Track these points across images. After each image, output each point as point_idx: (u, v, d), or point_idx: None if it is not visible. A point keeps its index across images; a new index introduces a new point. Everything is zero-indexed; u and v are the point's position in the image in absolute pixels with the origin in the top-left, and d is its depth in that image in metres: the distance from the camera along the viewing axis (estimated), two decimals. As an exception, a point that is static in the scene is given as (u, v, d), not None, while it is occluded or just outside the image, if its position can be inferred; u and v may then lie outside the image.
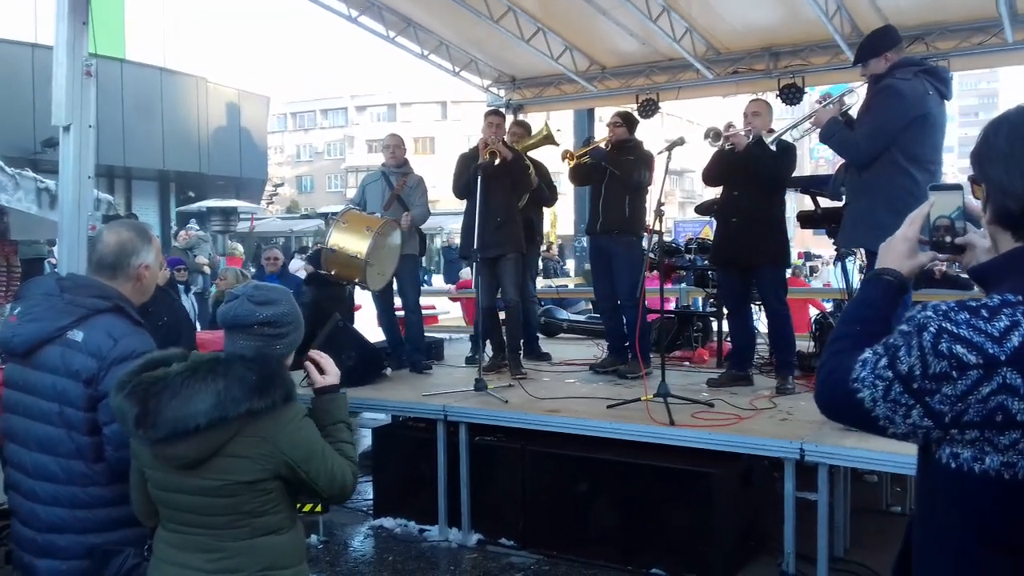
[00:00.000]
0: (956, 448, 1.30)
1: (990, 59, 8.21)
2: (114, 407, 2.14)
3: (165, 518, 2.22)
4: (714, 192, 7.12)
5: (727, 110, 10.75)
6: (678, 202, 48.29)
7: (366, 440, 7.25)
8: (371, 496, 5.78)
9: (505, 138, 6.45)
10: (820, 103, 4.99)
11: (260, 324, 2.22)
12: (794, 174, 5.90)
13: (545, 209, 7.64)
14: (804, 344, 6.54)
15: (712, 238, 8.45)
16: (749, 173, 5.46)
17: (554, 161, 6.87)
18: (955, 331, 1.27)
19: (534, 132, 7.12)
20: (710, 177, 5.85)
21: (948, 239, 1.50)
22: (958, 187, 1.52)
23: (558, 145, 6.89)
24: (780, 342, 5.63)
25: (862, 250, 5.90)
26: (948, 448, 1.32)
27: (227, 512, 2.12)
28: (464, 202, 6.40)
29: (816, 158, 48.87)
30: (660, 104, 9.51)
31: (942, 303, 1.32)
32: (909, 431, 1.34)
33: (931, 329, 1.29)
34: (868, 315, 1.52)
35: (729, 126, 5.54)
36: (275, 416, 2.12)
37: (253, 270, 12.86)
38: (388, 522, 5.50)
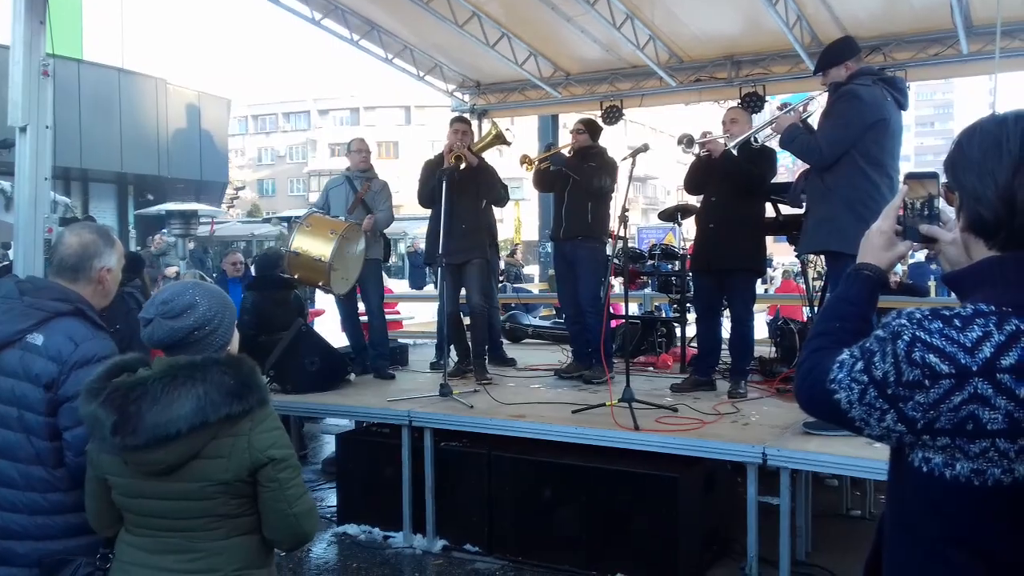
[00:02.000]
0: (928, 453, 1.33)
1: (945, 70, 8.36)
2: (86, 415, 2.09)
3: (133, 523, 2.18)
4: (678, 199, 7.19)
5: (690, 117, 10.86)
6: (641, 208, 48.64)
7: (330, 447, 7.21)
8: (335, 503, 5.73)
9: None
10: (781, 110, 5.07)
11: (188, 335, 2.17)
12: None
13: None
14: (765, 350, 6.64)
15: (675, 244, 8.56)
16: (726, 179, 5.52)
17: (513, 166, 6.88)
18: (928, 340, 1.29)
19: (483, 133, 7.08)
20: (691, 185, 5.91)
21: (920, 227, 1.51)
22: (933, 175, 1.52)
23: (509, 144, 6.87)
24: (740, 348, 5.70)
25: (821, 257, 6.01)
26: (920, 452, 1.34)
27: (203, 514, 2.10)
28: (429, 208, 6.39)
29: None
30: (624, 111, 9.57)
31: (917, 311, 1.34)
32: (883, 434, 1.37)
33: (905, 337, 1.31)
34: (847, 311, 1.55)
35: (705, 134, 5.61)
36: (252, 416, 2.12)
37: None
38: (352, 529, 5.46)
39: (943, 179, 1.48)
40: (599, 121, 7.40)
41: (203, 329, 2.18)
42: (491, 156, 6.77)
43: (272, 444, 2.13)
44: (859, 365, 1.36)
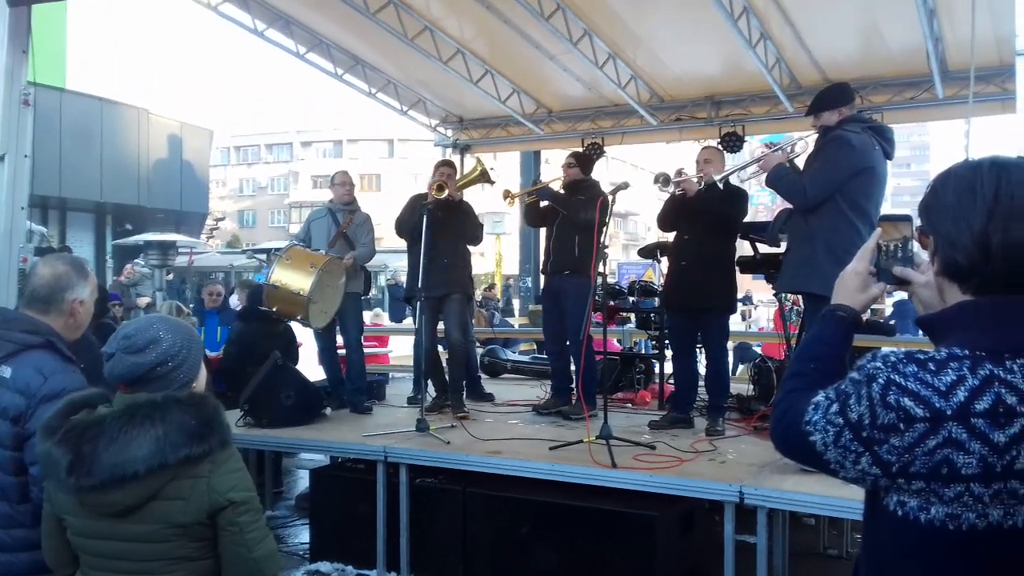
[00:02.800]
0: (903, 496, 1.32)
1: (921, 113, 8.52)
2: (41, 453, 2.03)
3: (88, 565, 2.12)
4: (657, 235, 7.23)
5: (670, 155, 10.96)
6: (622, 244, 48.86)
7: (304, 482, 7.11)
8: (307, 540, 5.64)
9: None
10: (769, 148, 5.11)
11: (150, 371, 2.11)
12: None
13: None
14: (743, 387, 6.65)
15: (654, 280, 8.58)
16: (699, 218, 5.55)
17: (496, 200, 6.88)
18: (903, 383, 1.29)
19: (467, 170, 7.09)
20: (664, 222, 5.93)
21: (894, 269, 1.53)
22: (907, 217, 1.54)
23: (493, 183, 6.89)
24: (716, 385, 5.71)
25: (800, 296, 6.04)
26: (895, 496, 1.33)
27: (159, 557, 2.04)
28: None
29: (756, 204, 49.90)
30: (605, 148, 9.66)
31: (892, 353, 1.34)
32: (858, 476, 1.36)
33: (880, 380, 1.31)
34: (822, 352, 1.55)
35: (680, 172, 5.64)
36: (212, 458, 2.05)
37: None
38: (325, 566, 5.36)
39: (917, 223, 1.49)
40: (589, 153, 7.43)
41: (166, 365, 2.12)
42: (474, 189, 6.79)
43: (233, 487, 2.07)
44: (834, 407, 1.36)
